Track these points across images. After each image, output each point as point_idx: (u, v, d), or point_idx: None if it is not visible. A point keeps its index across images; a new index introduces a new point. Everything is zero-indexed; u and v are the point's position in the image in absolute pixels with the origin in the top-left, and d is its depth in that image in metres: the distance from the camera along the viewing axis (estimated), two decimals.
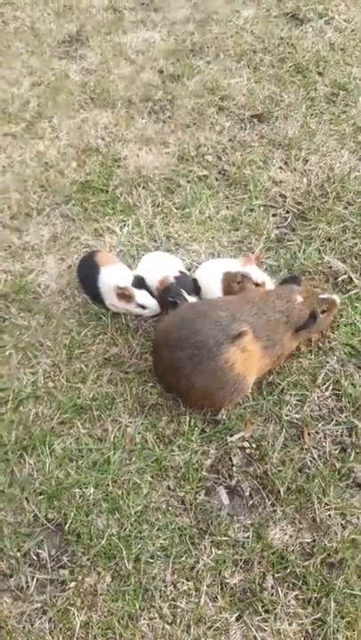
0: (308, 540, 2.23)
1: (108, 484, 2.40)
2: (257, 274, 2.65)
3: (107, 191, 3.42)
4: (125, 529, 2.29)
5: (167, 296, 2.62)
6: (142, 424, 2.55)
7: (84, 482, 2.41)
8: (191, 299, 2.64)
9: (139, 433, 2.52)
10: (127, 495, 2.37)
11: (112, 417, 2.58)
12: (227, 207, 3.30)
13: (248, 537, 2.26)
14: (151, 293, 2.74)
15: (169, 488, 2.39)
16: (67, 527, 2.30)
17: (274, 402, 2.56)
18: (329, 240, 3.08)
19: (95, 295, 2.83)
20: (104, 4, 4.73)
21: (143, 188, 3.43)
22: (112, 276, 2.73)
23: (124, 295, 2.68)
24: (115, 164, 3.56)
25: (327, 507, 2.29)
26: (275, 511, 2.31)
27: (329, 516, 2.27)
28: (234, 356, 2.33)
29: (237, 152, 3.53)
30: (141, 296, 2.69)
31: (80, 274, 2.94)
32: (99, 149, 3.65)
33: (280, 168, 3.44)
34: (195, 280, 2.75)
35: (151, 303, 2.71)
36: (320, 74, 3.94)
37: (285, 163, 3.46)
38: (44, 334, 2.85)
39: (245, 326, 2.35)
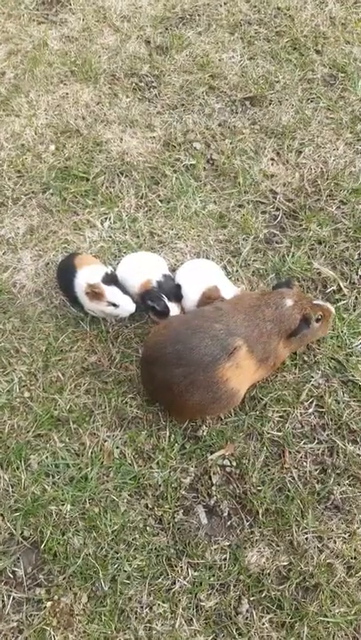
0: (285, 564, 2.23)
1: (85, 502, 2.36)
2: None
3: (87, 179, 3.22)
4: (102, 548, 2.27)
5: (146, 299, 2.50)
6: (121, 438, 2.49)
7: (61, 499, 2.36)
8: (172, 306, 2.52)
9: (117, 447, 2.47)
10: (104, 513, 2.33)
11: (90, 430, 2.51)
12: (214, 202, 3.13)
13: (225, 559, 2.25)
14: (127, 293, 2.57)
15: (147, 507, 2.35)
16: (43, 545, 2.27)
17: (256, 417, 2.51)
18: (320, 243, 2.95)
19: (74, 300, 2.69)
20: None
21: (126, 176, 3.23)
22: (85, 277, 2.56)
23: (93, 294, 2.51)
24: (96, 147, 3.34)
25: (305, 530, 2.28)
26: (252, 532, 2.30)
27: (306, 539, 2.27)
28: (229, 371, 2.23)
29: (227, 139, 3.33)
30: (111, 293, 2.50)
31: (59, 278, 2.79)
32: (79, 131, 3.41)
33: (272, 160, 3.26)
34: (178, 286, 2.62)
35: (123, 300, 2.52)
36: (318, 52, 3.69)
37: (278, 153, 3.28)
38: (19, 339, 2.73)
39: (240, 341, 2.25)
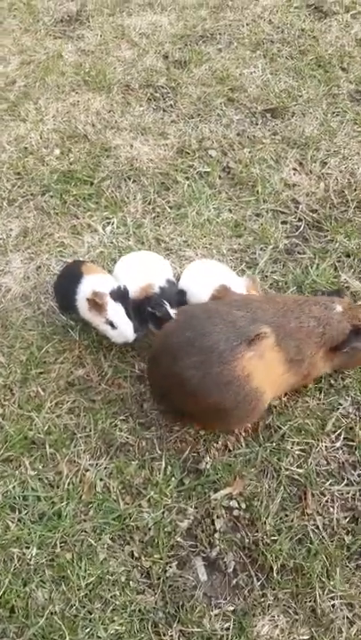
0: (305, 637, 1.72)
1: (55, 545, 1.89)
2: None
3: (91, 183, 2.95)
4: (72, 606, 1.78)
5: (147, 306, 2.13)
6: (106, 468, 2.05)
7: (26, 539, 1.90)
8: (175, 314, 2.14)
9: (101, 479, 2.02)
10: (78, 561, 1.86)
11: (69, 457, 2.07)
12: (229, 210, 2.81)
13: (228, 629, 1.74)
14: (132, 318, 2.19)
15: (132, 555, 1.88)
16: None
17: (272, 450, 2.06)
18: (348, 256, 2.59)
19: (70, 306, 2.31)
20: None
21: (134, 181, 2.95)
22: (93, 284, 2.20)
23: (94, 303, 2.14)
24: (104, 153, 3.09)
25: (331, 594, 1.78)
26: (264, 595, 1.80)
27: (333, 606, 1.76)
28: (251, 363, 1.82)
29: (246, 148, 3.06)
30: (114, 310, 2.14)
31: (59, 282, 2.41)
32: (87, 136, 3.18)
33: (294, 169, 2.96)
34: (181, 292, 2.25)
35: (123, 324, 2.15)
36: (344, 69, 3.48)
37: (300, 164, 2.99)
38: None
39: (266, 328, 1.85)
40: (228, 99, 3.35)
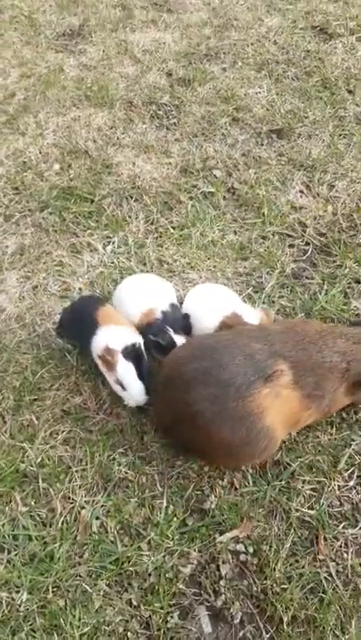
0: None
1: (47, 590, 1.74)
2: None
3: (92, 200, 2.84)
4: None
5: (148, 333, 2.01)
6: (103, 506, 1.90)
7: (16, 583, 1.75)
8: (180, 340, 2.03)
9: (97, 518, 1.88)
10: (72, 609, 1.71)
11: (64, 492, 1.93)
12: (234, 232, 2.72)
13: None
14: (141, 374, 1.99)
15: (130, 604, 1.73)
16: None
17: (281, 489, 1.93)
18: (358, 282, 2.50)
19: (84, 349, 2.14)
20: (113, 0, 4.26)
21: (136, 200, 2.85)
22: (107, 338, 1.99)
23: (105, 360, 1.97)
24: (105, 170, 2.99)
25: None
26: None
27: None
28: (266, 400, 1.73)
29: (251, 169, 2.98)
30: (124, 370, 1.94)
31: (72, 320, 2.20)
32: (88, 152, 3.08)
33: (301, 192, 2.88)
34: (186, 316, 2.14)
35: (133, 388, 1.96)
36: (350, 92, 3.43)
37: (307, 186, 2.91)
38: None
39: (282, 364, 1.75)
40: (233, 118, 3.28)
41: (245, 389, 1.73)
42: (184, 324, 2.11)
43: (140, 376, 1.95)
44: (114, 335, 1.97)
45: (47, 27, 4.04)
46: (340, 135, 3.17)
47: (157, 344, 2.00)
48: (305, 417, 1.86)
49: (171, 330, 2.04)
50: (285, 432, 1.89)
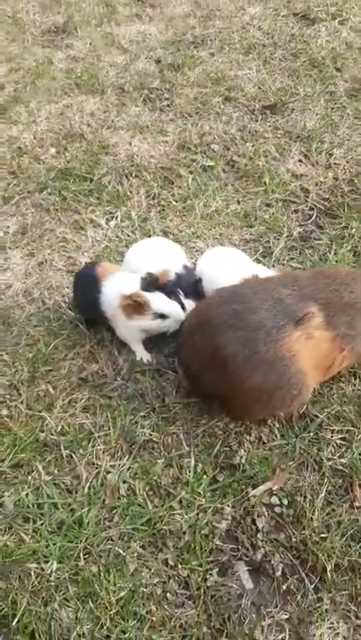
0: None
1: (78, 557, 1.65)
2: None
3: (91, 180, 2.81)
4: (103, 626, 1.54)
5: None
6: (130, 469, 1.83)
7: (44, 552, 1.66)
8: (189, 303, 1.99)
9: (124, 482, 1.80)
10: (106, 574, 1.62)
11: (87, 459, 1.86)
12: (238, 201, 2.70)
13: None
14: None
15: (167, 564, 1.65)
16: (15, 622, 1.54)
17: (310, 441, 1.88)
18: None
19: (99, 318, 2.09)
20: None
21: (136, 177, 2.83)
22: (117, 288, 1.98)
23: (136, 306, 1.92)
24: (102, 150, 2.97)
25: None
26: (320, 599, 1.59)
27: None
28: (297, 344, 1.70)
29: (248, 143, 2.98)
30: (156, 298, 1.94)
31: (76, 294, 2.18)
32: (83, 135, 3.07)
33: (300, 161, 2.89)
34: (198, 281, 2.09)
35: (172, 308, 1.96)
36: (338, 69, 3.48)
37: (305, 156, 2.92)
38: None
39: (313, 307, 1.73)
40: (226, 98, 3.30)
41: (276, 333, 1.70)
42: (195, 288, 2.06)
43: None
44: (120, 282, 1.95)
45: (32, 25, 4.06)
46: (333, 108, 3.20)
47: None
48: (339, 359, 1.81)
49: (182, 293, 2.00)
50: (318, 378, 1.85)
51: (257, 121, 3.13)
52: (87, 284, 2.04)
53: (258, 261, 2.42)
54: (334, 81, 3.37)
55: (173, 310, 1.97)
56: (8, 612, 1.57)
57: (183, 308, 2.00)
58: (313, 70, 3.46)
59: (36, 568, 1.64)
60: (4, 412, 1.97)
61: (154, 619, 1.55)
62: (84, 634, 1.53)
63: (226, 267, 2.09)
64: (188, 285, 2.08)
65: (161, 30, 3.91)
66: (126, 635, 1.53)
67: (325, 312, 1.75)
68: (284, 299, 1.76)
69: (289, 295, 1.76)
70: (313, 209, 2.66)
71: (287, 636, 1.53)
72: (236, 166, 2.88)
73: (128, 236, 2.54)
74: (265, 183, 2.75)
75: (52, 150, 2.99)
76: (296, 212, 2.65)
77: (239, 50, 3.66)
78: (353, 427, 1.91)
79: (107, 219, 2.63)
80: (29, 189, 2.78)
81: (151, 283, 1.95)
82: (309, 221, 2.61)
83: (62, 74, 3.53)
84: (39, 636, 1.53)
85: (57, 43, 3.87)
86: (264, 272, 2.05)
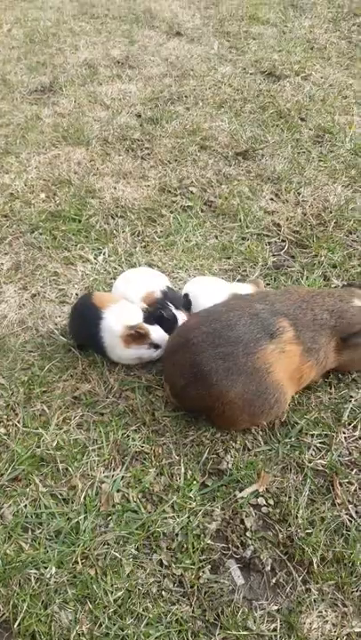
0: (359, 630, 1.59)
1: (76, 562, 1.73)
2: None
3: (79, 220, 3.03)
4: (101, 625, 1.60)
5: (152, 310, 2.14)
6: (123, 478, 1.93)
7: (43, 559, 1.73)
8: (180, 314, 2.17)
9: (118, 490, 1.90)
10: (103, 576, 1.70)
11: (82, 470, 1.96)
12: (216, 236, 2.93)
13: (275, 629, 1.60)
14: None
15: (161, 564, 1.73)
16: (17, 624, 1.60)
17: (292, 445, 2.01)
18: (334, 267, 2.71)
19: (98, 349, 2.24)
20: (79, 60, 4.68)
21: (121, 217, 3.05)
22: (119, 317, 2.15)
23: (137, 336, 2.11)
24: (88, 194, 3.21)
25: None
26: (308, 590, 1.68)
27: None
28: (272, 356, 1.85)
29: (223, 185, 3.25)
30: (155, 331, 2.14)
31: (75, 323, 2.32)
32: (71, 181, 3.31)
33: (271, 199, 3.15)
34: (186, 295, 2.29)
35: (166, 339, 2.16)
36: (303, 119, 3.83)
37: (276, 195, 3.19)
38: None
39: (285, 321, 1.89)
40: (201, 146, 3.60)
41: (253, 346, 1.86)
42: (185, 302, 2.25)
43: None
44: (125, 312, 2.10)
45: (20, 85, 4.39)
46: (299, 153, 3.51)
47: (161, 316, 2.12)
48: (307, 371, 1.98)
49: (172, 305, 2.18)
50: (293, 388, 2.00)
51: (231, 166, 3.42)
52: (87, 312, 2.19)
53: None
54: (299, 129, 3.71)
55: (166, 341, 2.16)
56: (9, 617, 1.62)
57: (176, 319, 2.18)
58: (280, 120, 3.80)
59: (36, 573, 1.70)
60: (2, 430, 2.07)
61: (150, 615, 1.62)
62: (83, 633, 1.59)
63: (212, 289, 2.28)
64: (176, 300, 2.27)
65: (140, 89, 4.27)
66: (125, 632, 1.59)
67: (295, 327, 1.93)
68: (258, 313, 1.93)
69: (263, 310, 1.94)
70: (285, 241, 2.89)
71: (279, 626, 1.61)
72: (213, 206, 3.12)
73: (115, 268, 2.72)
74: (240, 219, 2.99)
75: (42, 195, 3.22)
76: (270, 243, 2.88)
77: (212, 104, 4.01)
78: (331, 431, 2.05)
79: (95, 254, 2.82)
80: (22, 230, 2.97)
81: (149, 317, 2.16)
82: (282, 251, 2.83)
83: (50, 128, 3.82)
84: (40, 638, 1.58)
85: (44, 100, 4.19)
86: (241, 288, 2.24)
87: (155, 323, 2.15)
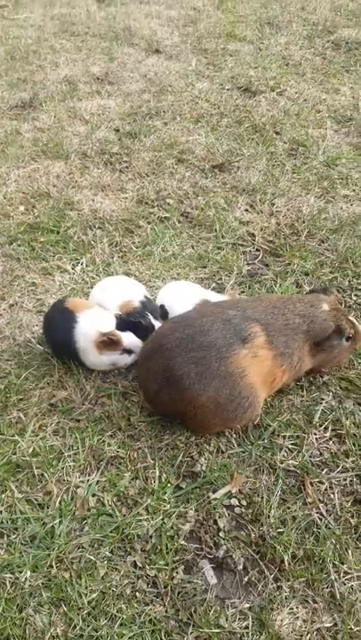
0: (329, 625, 1.63)
1: (50, 565, 1.75)
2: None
3: (57, 232, 3.08)
4: (75, 627, 1.62)
5: (130, 317, 2.19)
6: (98, 482, 1.96)
7: (18, 563, 1.75)
8: (157, 324, 2.21)
9: (93, 495, 1.93)
10: (77, 579, 1.72)
11: (58, 476, 1.98)
12: (192, 246, 2.99)
13: (247, 627, 1.63)
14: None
15: (135, 565, 1.76)
16: None
17: (265, 447, 2.06)
18: (306, 274, 2.79)
19: (72, 353, 2.26)
20: (59, 77, 4.77)
21: (99, 228, 3.11)
22: (93, 323, 2.20)
23: (109, 342, 2.16)
24: (67, 207, 3.26)
25: (348, 576, 1.72)
26: (280, 588, 1.71)
27: (351, 588, 1.70)
28: (245, 360, 1.90)
29: (200, 197, 3.33)
30: (128, 338, 2.20)
31: (49, 329, 2.34)
32: (50, 194, 3.36)
33: (246, 210, 3.23)
34: (162, 306, 2.34)
35: (138, 345, 2.21)
36: (277, 133, 3.94)
37: (251, 206, 3.27)
38: None
39: (256, 327, 1.94)
40: (178, 160, 3.68)
41: (226, 351, 1.91)
42: (162, 312, 2.30)
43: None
44: (99, 318, 2.15)
45: (0, 101, 4.45)
46: (274, 166, 3.60)
47: (139, 324, 2.17)
48: (279, 374, 2.03)
49: (151, 316, 2.22)
50: (266, 391, 2.05)
51: (207, 178, 3.50)
52: (62, 315, 2.23)
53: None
54: (274, 142, 3.81)
55: (139, 346, 2.20)
56: None
57: (153, 327, 2.23)
58: (255, 134, 3.91)
59: (11, 578, 1.72)
60: None
61: (124, 616, 1.64)
62: (57, 635, 1.60)
63: (186, 295, 2.33)
64: (153, 310, 2.32)
65: (119, 104, 4.36)
66: (98, 632, 1.61)
67: (267, 332, 1.98)
68: (231, 319, 1.99)
69: (235, 316, 1.99)
70: (259, 250, 2.96)
71: (250, 623, 1.64)
72: (189, 217, 3.19)
73: (93, 278, 2.77)
74: (216, 230, 3.06)
75: (22, 208, 3.27)
76: (244, 253, 2.95)
77: (189, 119, 4.10)
78: (303, 432, 2.10)
79: (73, 265, 2.87)
80: (0, 242, 3.01)
81: (121, 324, 2.21)
82: (256, 260, 2.90)
83: (29, 142, 3.88)
84: None
85: (24, 116, 4.25)
86: (215, 297, 2.30)
87: (128, 329, 2.19)
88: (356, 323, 2.18)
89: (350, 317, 2.18)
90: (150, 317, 2.21)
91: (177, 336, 1.96)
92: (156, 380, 1.99)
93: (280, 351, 2.01)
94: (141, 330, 2.18)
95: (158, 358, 1.97)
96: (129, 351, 2.22)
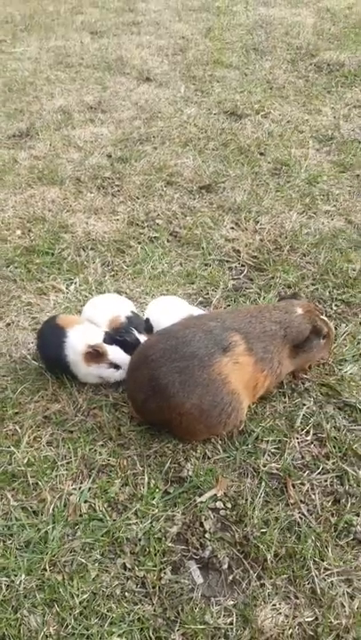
0: (310, 619, 1.70)
1: (44, 568, 1.83)
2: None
3: (52, 254, 3.22)
4: (67, 626, 1.70)
5: (117, 335, 2.30)
6: (90, 490, 2.06)
7: (13, 567, 1.84)
8: (142, 338, 2.33)
9: (85, 501, 2.02)
10: (69, 581, 1.80)
11: (51, 484, 2.08)
12: (180, 264, 3.13)
13: (232, 623, 1.70)
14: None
15: (124, 567, 1.84)
16: None
17: (248, 452, 2.15)
18: (289, 287, 2.91)
19: (63, 367, 2.38)
20: (54, 107, 4.98)
21: (92, 249, 3.25)
22: (82, 336, 2.32)
23: (96, 354, 2.28)
24: (61, 230, 3.41)
25: (327, 572, 1.80)
26: (263, 585, 1.79)
27: (331, 584, 1.77)
28: (227, 367, 2.01)
29: (188, 217, 3.47)
30: (114, 351, 2.30)
31: (43, 344, 2.46)
32: (45, 219, 3.52)
33: (231, 228, 3.37)
34: (147, 320, 2.46)
35: (125, 360, 2.30)
36: (262, 154, 4.10)
37: (236, 224, 3.41)
38: None
39: (236, 336, 2.06)
40: (167, 182, 3.84)
41: (208, 359, 2.03)
42: (146, 326, 2.41)
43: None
44: (88, 332, 2.27)
45: None
46: (258, 185, 3.75)
47: (124, 341, 2.28)
48: (261, 379, 2.14)
49: (135, 330, 2.34)
50: (249, 397, 2.16)
51: (195, 199, 3.65)
52: (53, 331, 2.36)
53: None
54: (259, 163, 3.97)
55: (126, 362, 2.29)
56: None
57: (138, 341, 2.34)
58: (241, 156, 4.07)
59: (6, 581, 1.81)
60: None
61: (114, 615, 1.72)
62: (50, 634, 1.69)
63: (171, 311, 2.45)
64: (139, 325, 2.43)
65: (111, 131, 4.55)
66: (89, 631, 1.69)
67: (246, 340, 2.10)
68: (212, 330, 2.10)
69: (215, 326, 2.11)
70: (244, 265, 3.09)
71: (235, 619, 1.71)
72: (178, 236, 3.33)
73: (86, 297, 2.90)
74: (203, 248, 3.20)
75: (18, 232, 3.42)
76: (230, 268, 3.08)
77: (178, 143, 4.28)
78: (285, 437, 2.19)
79: (67, 284, 3.00)
80: None
81: (111, 338, 2.33)
82: (241, 275, 3.03)
83: (26, 170, 4.05)
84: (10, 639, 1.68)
85: (21, 145, 4.44)
86: (199, 312, 2.42)
87: (116, 344, 2.31)
88: (328, 321, 2.31)
89: (323, 317, 2.29)
90: (135, 332, 2.32)
91: (161, 347, 2.08)
92: (142, 389, 2.09)
93: (260, 356, 2.12)
94: (127, 346, 2.29)
95: (144, 369, 2.09)
96: (116, 366, 2.32)
